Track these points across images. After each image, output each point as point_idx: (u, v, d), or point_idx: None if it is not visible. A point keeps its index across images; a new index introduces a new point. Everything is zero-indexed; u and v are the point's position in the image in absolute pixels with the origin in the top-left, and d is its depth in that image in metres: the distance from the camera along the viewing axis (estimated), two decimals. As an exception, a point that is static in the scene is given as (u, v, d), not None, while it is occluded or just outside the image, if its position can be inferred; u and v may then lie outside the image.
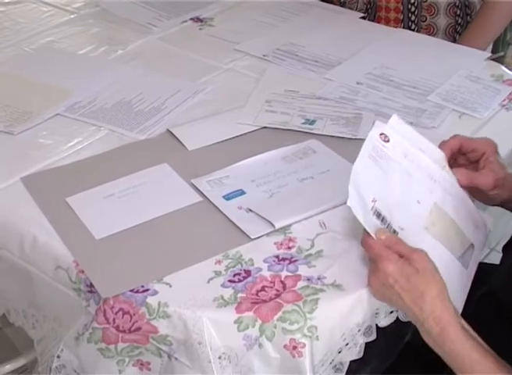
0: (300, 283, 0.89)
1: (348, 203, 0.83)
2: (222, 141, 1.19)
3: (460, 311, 0.87)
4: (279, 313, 0.86)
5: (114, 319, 0.89)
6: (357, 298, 0.88)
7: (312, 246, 0.96)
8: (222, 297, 0.88)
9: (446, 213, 0.90)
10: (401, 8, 1.73)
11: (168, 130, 1.22)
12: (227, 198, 1.04)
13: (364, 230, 0.85)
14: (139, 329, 0.88)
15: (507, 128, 1.27)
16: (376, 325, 0.91)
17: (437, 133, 1.18)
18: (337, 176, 1.09)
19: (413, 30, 1.73)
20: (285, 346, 0.85)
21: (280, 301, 0.87)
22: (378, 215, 0.85)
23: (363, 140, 1.17)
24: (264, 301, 0.87)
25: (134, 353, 0.91)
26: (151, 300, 0.88)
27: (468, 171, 0.95)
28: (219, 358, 0.86)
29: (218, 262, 0.94)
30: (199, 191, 1.06)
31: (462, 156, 0.98)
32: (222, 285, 0.90)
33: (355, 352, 0.89)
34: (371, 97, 1.33)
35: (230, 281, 0.90)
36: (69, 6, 1.72)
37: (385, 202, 0.86)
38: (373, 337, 0.90)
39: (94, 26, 1.63)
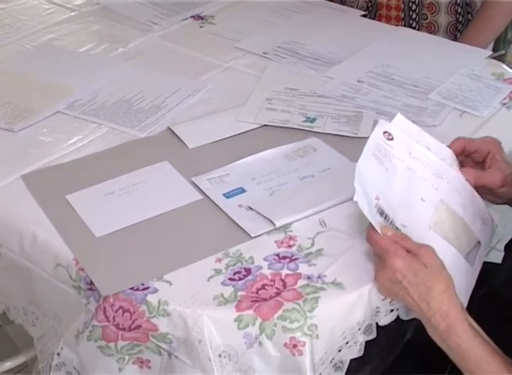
0: (301, 282, 0.89)
1: (355, 198, 0.83)
2: (222, 139, 1.19)
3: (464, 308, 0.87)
4: (279, 312, 0.86)
5: (114, 317, 0.88)
6: (357, 297, 0.88)
7: (312, 244, 0.96)
8: (222, 295, 0.88)
9: (452, 210, 0.90)
10: (402, 6, 1.73)
11: (168, 128, 1.22)
12: (227, 196, 1.04)
13: (370, 225, 0.84)
14: (139, 327, 0.88)
15: (508, 126, 1.26)
16: (376, 323, 0.91)
17: (438, 131, 1.18)
18: (338, 175, 1.09)
19: (414, 28, 1.73)
20: (285, 344, 0.85)
21: (280, 299, 0.87)
22: (381, 212, 0.85)
23: (364, 138, 1.18)
24: (265, 300, 0.87)
25: (134, 351, 0.91)
26: (151, 298, 0.88)
27: (476, 170, 0.95)
28: (219, 356, 0.86)
29: (219, 260, 0.94)
30: (199, 188, 1.06)
31: (467, 158, 0.98)
32: (223, 283, 0.90)
33: (355, 351, 0.89)
34: (372, 95, 1.33)
35: (230, 279, 0.90)
36: (69, 4, 1.72)
37: (388, 200, 0.86)
38: (373, 335, 0.90)
39: (94, 24, 1.63)
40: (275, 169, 1.10)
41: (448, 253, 0.88)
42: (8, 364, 1.47)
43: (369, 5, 1.76)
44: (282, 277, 0.90)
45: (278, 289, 0.88)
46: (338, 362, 0.89)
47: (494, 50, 1.77)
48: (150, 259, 0.94)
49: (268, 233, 0.98)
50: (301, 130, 1.20)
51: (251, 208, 1.01)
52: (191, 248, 0.96)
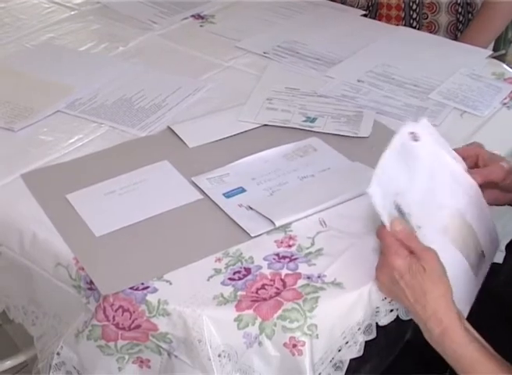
0: (300, 282, 0.89)
1: (368, 190, 0.82)
2: (222, 139, 1.19)
3: (465, 317, 0.87)
4: (279, 311, 0.86)
5: (114, 317, 0.88)
6: (357, 297, 0.88)
7: (312, 244, 0.96)
8: (222, 295, 0.88)
9: (466, 220, 0.91)
10: (402, 5, 1.73)
11: (168, 127, 1.22)
12: (227, 195, 1.04)
13: (381, 222, 0.84)
14: (139, 326, 0.88)
15: (508, 126, 1.27)
16: (376, 323, 0.91)
17: (438, 131, 1.18)
18: (338, 175, 1.09)
19: (414, 27, 1.73)
20: (285, 344, 0.85)
21: (280, 299, 0.87)
22: (399, 209, 0.85)
23: (364, 138, 1.18)
24: (264, 300, 0.87)
25: (134, 350, 0.91)
26: (151, 297, 0.88)
27: (479, 169, 0.96)
28: (219, 356, 0.86)
29: (218, 259, 0.94)
30: (199, 188, 1.06)
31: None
32: (222, 283, 0.90)
33: (355, 351, 0.89)
34: (373, 95, 1.33)
35: (230, 279, 0.90)
36: (69, 3, 1.72)
37: (407, 198, 0.86)
38: (373, 335, 0.90)
39: (94, 23, 1.63)
40: (275, 168, 1.10)
41: (456, 261, 0.88)
42: (8, 363, 1.47)
43: (370, 4, 1.76)
44: (282, 277, 0.90)
45: (278, 289, 0.88)
46: (338, 362, 0.89)
47: (494, 50, 1.77)
48: (150, 259, 0.94)
49: (267, 232, 0.98)
50: (301, 129, 1.20)
51: (251, 208, 1.01)
52: (191, 248, 0.96)
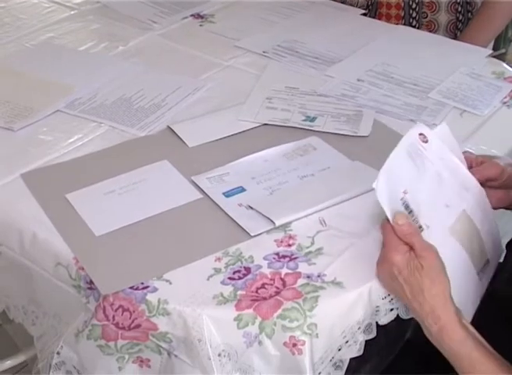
0: (300, 281, 0.89)
1: (374, 185, 0.82)
2: (222, 138, 1.18)
3: (470, 318, 0.87)
4: (279, 311, 0.86)
5: (114, 316, 0.88)
6: (357, 296, 0.88)
7: (312, 243, 0.96)
8: (222, 294, 0.88)
9: (473, 223, 0.91)
10: (402, 4, 1.73)
11: (168, 127, 1.22)
12: (227, 195, 1.04)
13: (386, 216, 0.84)
14: (138, 326, 0.88)
15: (508, 125, 1.26)
16: (376, 323, 0.91)
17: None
18: (337, 174, 1.09)
19: (414, 26, 1.73)
20: (285, 343, 0.85)
21: (280, 298, 0.87)
22: (407, 207, 0.85)
23: (363, 137, 1.18)
24: (264, 299, 0.87)
25: (134, 350, 0.91)
26: (151, 297, 0.88)
27: (475, 168, 0.96)
28: (219, 355, 0.86)
29: (218, 259, 0.94)
30: (199, 187, 1.06)
31: None
32: (222, 282, 0.90)
33: (355, 350, 0.89)
34: (372, 94, 1.32)
35: (230, 278, 0.90)
36: (69, 2, 1.72)
37: (415, 197, 0.86)
38: (373, 334, 0.90)
39: (94, 23, 1.63)
40: (275, 168, 1.10)
41: (462, 262, 0.89)
42: (8, 363, 1.47)
43: (369, 3, 1.76)
44: (282, 276, 0.90)
45: (277, 288, 0.88)
46: (338, 361, 0.89)
47: (494, 49, 1.77)
48: (149, 258, 0.94)
49: (267, 232, 0.98)
50: (301, 128, 1.20)
51: (251, 208, 1.01)
52: (191, 247, 0.96)
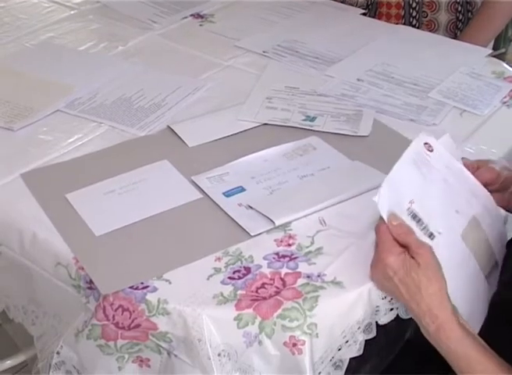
0: (300, 281, 0.89)
1: (375, 199, 0.82)
2: (222, 138, 1.18)
3: (479, 326, 0.87)
4: (279, 310, 0.85)
5: (113, 316, 0.88)
6: (357, 296, 0.88)
7: (312, 243, 0.96)
8: (222, 294, 0.88)
9: (481, 228, 0.92)
10: (402, 3, 1.73)
11: (168, 127, 1.22)
12: (227, 194, 1.04)
13: (380, 218, 0.84)
14: (138, 326, 0.88)
15: (508, 125, 1.26)
16: (376, 322, 0.91)
17: (438, 130, 1.18)
18: (337, 173, 1.09)
19: (414, 25, 1.73)
20: (285, 343, 0.85)
21: (280, 298, 0.87)
22: (414, 216, 0.85)
23: (363, 137, 1.18)
24: (264, 299, 0.87)
25: (134, 350, 0.91)
26: (151, 297, 0.88)
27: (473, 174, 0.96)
28: (219, 355, 0.86)
29: (218, 259, 0.94)
30: (199, 187, 1.06)
31: None
32: (222, 282, 0.90)
33: (355, 350, 0.89)
34: (372, 94, 1.32)
35: (230, 278, 0.90)
36: (69, 2, 1.72)
37: (424, 206, 0.86)
38: (373, 334, 0.90)
39: (94, 22, 1.63)
40: (275, 167, 1.10)
41: (472, 269, 0.89)
42: (8, 363, 1.47)
43: (369, 3, 1.76)
44: (282, 276, 0.90)
45: (277, 288, 0.88)
46: (338, 361, 0.89)
47: (494, 48, 1.77)
48: (149, 258, 0.94)
49: (267, 231, 0.98)
50: (301, 128, 1.20)
51: (251, 207, 1.01)
52: (191, 247, 0.96)
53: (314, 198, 1.03)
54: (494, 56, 1.51)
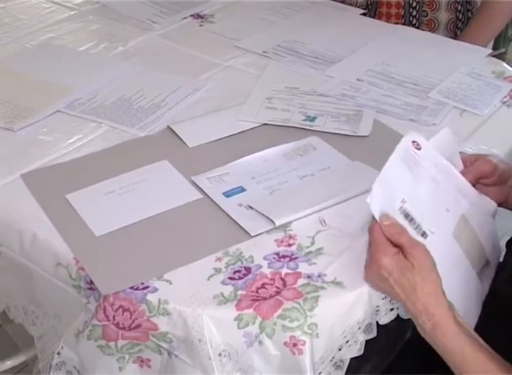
0: (301, 281, 0.89)
1: (367, 200, 0.82)
2: (222, 138, 1.18)
3: (474, 324, 0.87)
4: (279, 310, 0.86)
5: (114, 316, 0.88)
6: (357, 296, 0.88)
7: (312, 243, 0.96)
8: (222, 294, 0.88)
9: (471, 226, 0.92)
10: (402, 3, 1.73)
11: (168, 127, 1.22)
12: (227, 195, 1.04)
13: (373, 218, 0.84)
14: (139, 326, 0.88)
15: (508, 125, 1.26)
16: (377, 322, 0.91)
17: (438, 130, 1.18)
18: (337, 174, 1.09)
19: (414, 25, 1.73)
20: (285, 343, 0.85)
21: (280, 298, 0.87)
22: (407, 215, 0.85)
23: (363, 137, 1.18)
24: (265, 299, 0.87)
25: (134, 350, 0.91)
26: (151, 297, 0.88)
27: (467, 168, 0.96)
28: (219, 355, 0.86)
29: (219, 259, 0.94)
30: (199, 187, 1.06)
31: None
32: (222, 282, 0.90)
33: (355, 350, 0.89)
34: (372, 94, 1.32)
35: (230, 278, 0.90)
36: (69, 3, 1.72)
37: (416, 204, 0.86)
38: (373, 334, 0.90)
39: (94, 23, 1.63)
40: (275, 168, 1.10)
41: (464, 268, 0.89)
42: (9, 363, 1.47)
43: (369, 2, 1.76)
44: (282, 276, 0.90)
45: (278, 288, 0.88)
46: (338, 361, 0.89)
47: (494, 48, 1.77)
48: (150, 258, 0.94)
49: (267, 232, 0.98)
50: (301, 128, 1.20)
51: (251, 207, 1.01)
52: (191, 247, 0.96)
53: (315, 198, 1.03)
54: (494, 56, 1.51)
